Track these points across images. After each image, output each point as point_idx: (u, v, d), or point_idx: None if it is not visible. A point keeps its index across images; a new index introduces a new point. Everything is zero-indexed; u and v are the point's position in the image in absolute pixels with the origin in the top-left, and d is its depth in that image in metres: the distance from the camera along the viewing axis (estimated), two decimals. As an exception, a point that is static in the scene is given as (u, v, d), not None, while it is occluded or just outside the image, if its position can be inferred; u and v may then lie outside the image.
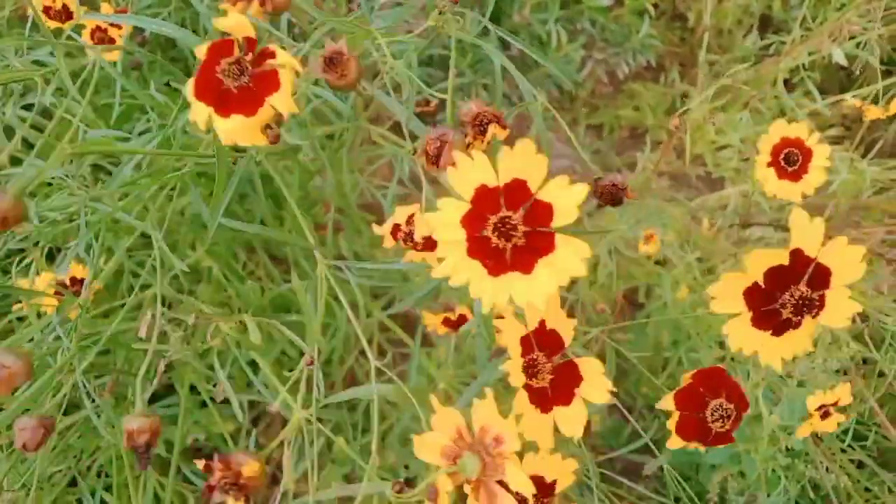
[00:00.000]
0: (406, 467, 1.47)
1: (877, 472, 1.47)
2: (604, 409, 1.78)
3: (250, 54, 0.57)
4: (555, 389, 0.66)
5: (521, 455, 0.58)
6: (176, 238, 1.27)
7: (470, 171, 0.55)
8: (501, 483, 0.56)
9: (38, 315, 0.96)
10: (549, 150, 0.66)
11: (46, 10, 1.21)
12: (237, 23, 0.56)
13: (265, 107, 0.57)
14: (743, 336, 0.60)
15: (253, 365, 1.08)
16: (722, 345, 1.46)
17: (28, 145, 0.93)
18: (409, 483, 0.63)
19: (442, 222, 0.55)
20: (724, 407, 0.69)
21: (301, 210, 1.55)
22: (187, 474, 1.27)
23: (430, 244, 0.79)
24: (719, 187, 2.07)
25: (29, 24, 1.25)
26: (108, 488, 1.16)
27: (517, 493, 0.56)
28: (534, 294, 0.52)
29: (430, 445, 0.59)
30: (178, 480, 1.17)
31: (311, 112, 1.12)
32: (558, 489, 0.64)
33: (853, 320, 1.35)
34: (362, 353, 1.53)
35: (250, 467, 0.62)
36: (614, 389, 0.66)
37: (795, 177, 1.11)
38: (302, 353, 0.76)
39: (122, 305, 0.93)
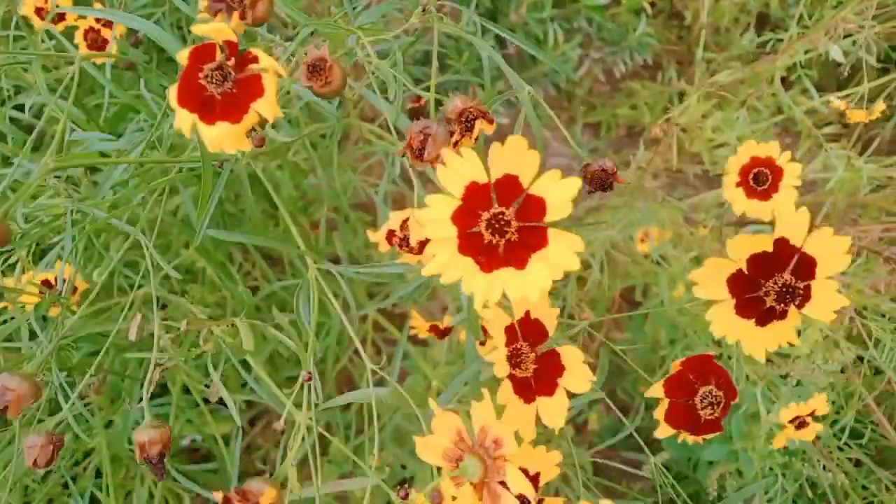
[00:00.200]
0: (403, 467, 1.46)
1: (874, 471, 1.47)
2: (601, 408, 1.78)
3: (232, 59, 0.56)
4: (538, 380, 0.66)
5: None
6: (169, 238, 1.27)
7: (460, 168, 0.54)
8: (502, 484, 0.56)
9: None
10: (541, 142, 0.66)
11: (38, 11, 1.20)
12: (215, 27, 0.55)
13: (250, 113, 0.56)
14: (726, 323, 0.59)
15: (246, 364, 1.07)
16: (718, 343, 1.45)
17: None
18: (407, 483, 0.63)
19: (431, 219, 0.54)
20: (713, 394, 0.68)
21: (295, 209, 1.55)
22: (185, 474, 1.26)
23: (425, 247, 0.78)
24: (717, 185, 2.06)
25: (13, 25, 1.24)
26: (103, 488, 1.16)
27: (519, 495, 0.56)
28: (528, 289, 0.52)
29: (431, 447, 0.59)
30: (169, 481, 1.17)
31: (303, 109, 1.11)
32: (542, 482, 0.64)
33: (850, 319, 1.35)
34: (357, 350, 1.52)
35: (267, 496, 0.62)
36: (594, 378, 0.65)
37: (765, 196, 1.11)
38: (294, 354, 0.75)
39: (114, 305, 0.93)
